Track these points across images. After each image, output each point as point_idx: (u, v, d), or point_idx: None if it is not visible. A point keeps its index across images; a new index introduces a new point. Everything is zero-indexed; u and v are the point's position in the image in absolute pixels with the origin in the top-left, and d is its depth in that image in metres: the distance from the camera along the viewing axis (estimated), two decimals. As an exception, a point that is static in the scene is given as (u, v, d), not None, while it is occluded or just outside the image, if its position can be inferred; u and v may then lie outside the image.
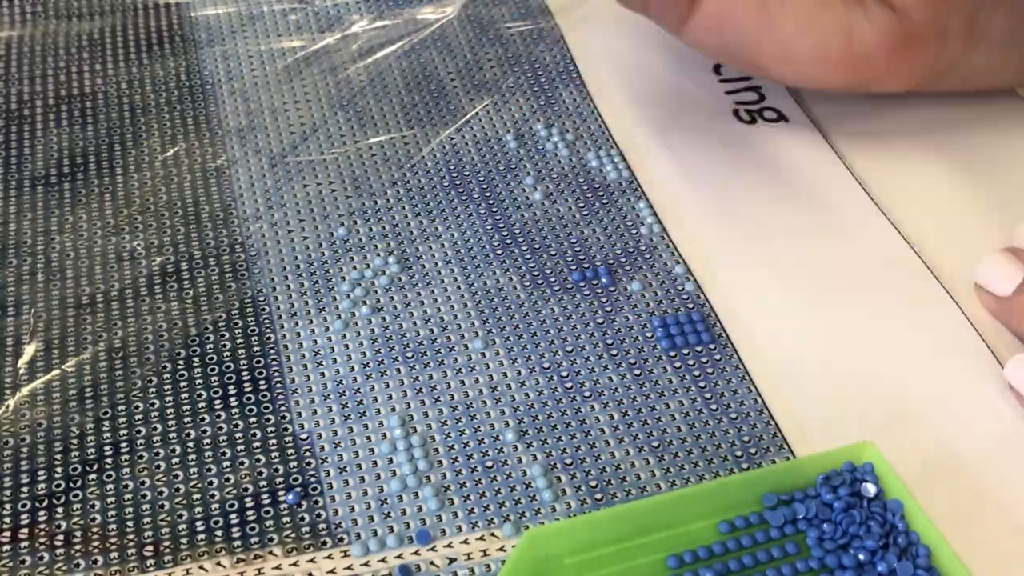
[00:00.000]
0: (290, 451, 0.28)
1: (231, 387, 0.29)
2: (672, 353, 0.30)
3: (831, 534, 0.25)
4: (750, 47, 0.33)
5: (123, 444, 0.28)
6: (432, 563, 0.26)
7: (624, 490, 0.27)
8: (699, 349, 0.30)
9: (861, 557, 0.24)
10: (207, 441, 0.28)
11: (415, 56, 0.40)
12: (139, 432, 0.28)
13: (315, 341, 0.30)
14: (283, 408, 0.29)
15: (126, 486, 0.27)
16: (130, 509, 0.26)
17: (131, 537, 0.26)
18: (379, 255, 0.33)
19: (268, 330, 0.31)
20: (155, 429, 0.28)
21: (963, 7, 0.32)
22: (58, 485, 0.27)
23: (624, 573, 0.24)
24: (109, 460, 0.27)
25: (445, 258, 0.33)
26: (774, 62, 0.33)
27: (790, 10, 0.32)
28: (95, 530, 0.26)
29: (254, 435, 0.28)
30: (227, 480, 0.27)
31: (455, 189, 0.35)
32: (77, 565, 0.25)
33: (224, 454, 0.28)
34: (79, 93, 0.39)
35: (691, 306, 0.31)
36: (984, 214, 0.34)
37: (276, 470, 0.27)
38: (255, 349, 0.30)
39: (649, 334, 0.31)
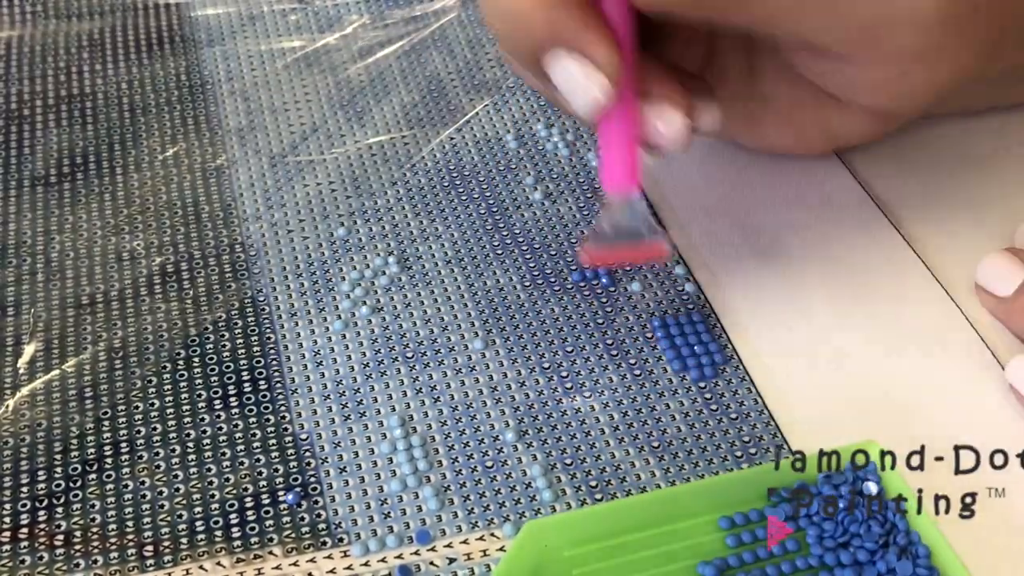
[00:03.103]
0: (290, 451, 0.28)
1: (231, 387, 0.29)
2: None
3: (831, 532, 0.25)
4: (739, 138, 0.35)
5: (123, 444, 0.28)
6: (432, 563, 0.26)
7: (624, 490, 0.27)
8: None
9: (860, 556, 0.24)
10: (207, 441, 0.28)
11: (415, 56, 0.40)
12: (139, 432, 0.28)
13: (315, 341, 0.30)
14: (283, 408, 0.29)
15: (126, 486, 0.27)
16: (130, 509, 0.26)
17: (131, 537, 0.26)
18: (379, 255, 0.33)
19: (268, 330, 0.31)
20: (155, 429, 0.28)
21: (948, 92, 0.32)
22: (58, 485, 0.27)
23: (622, 566, 0.24)
24: (109, 460, 0.27)
25: (445, 258, 0.33)
26: (760, 148, 0.35)
27: (769, 116, 0.33)
28: (95, 530, 0.26)
29: (254, 435, 0.28)
30: (227, 480, 0.27)
31: (455, 189, 0.35)
32: (77, 565, 0.25)
33: (224, 454, 0.28)
34: (79, 93, 0.39)
35: (691, 306, 0.31)
36: (984, 214, 0.34)
37: (276, 470, 0.27)
38: (255, 349, 0.30)
39: (649, 334, 0.31)
